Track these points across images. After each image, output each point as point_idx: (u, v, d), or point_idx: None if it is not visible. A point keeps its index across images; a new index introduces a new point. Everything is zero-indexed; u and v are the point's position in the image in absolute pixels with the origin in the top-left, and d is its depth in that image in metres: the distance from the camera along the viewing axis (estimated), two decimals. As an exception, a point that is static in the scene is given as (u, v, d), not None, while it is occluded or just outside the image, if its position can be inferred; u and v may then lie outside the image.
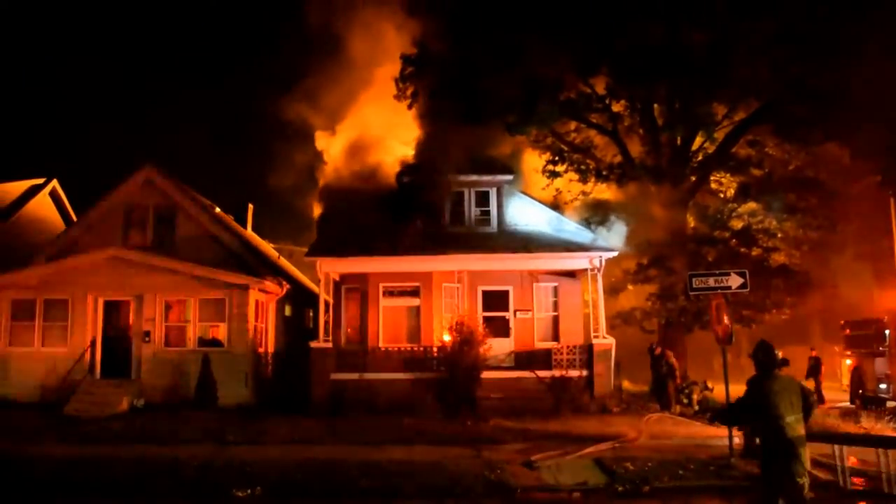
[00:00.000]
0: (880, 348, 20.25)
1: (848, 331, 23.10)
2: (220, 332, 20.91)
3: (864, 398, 20.69)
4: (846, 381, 22.62)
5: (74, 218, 28.33)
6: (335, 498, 11.27)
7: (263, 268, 23.16)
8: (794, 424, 7.56)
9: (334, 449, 13.80)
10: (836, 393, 23.05)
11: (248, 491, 11.50)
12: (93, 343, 20.72)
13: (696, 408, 19.16)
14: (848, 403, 21.30)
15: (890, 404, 19.34)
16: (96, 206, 23.20)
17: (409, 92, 24.99)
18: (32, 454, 12.99)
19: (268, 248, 30.50)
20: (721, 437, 13.54)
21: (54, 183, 29.02)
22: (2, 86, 67.09)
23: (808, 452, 7.58)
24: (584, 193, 26.10)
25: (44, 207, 28.56)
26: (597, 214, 23.12)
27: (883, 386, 19.96)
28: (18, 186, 28.13)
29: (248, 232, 29.23)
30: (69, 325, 20.78)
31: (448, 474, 11.92)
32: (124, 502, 11.31)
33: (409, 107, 24.88)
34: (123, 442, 14.49)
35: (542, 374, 20.16)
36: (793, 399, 7.67)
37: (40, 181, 28.74)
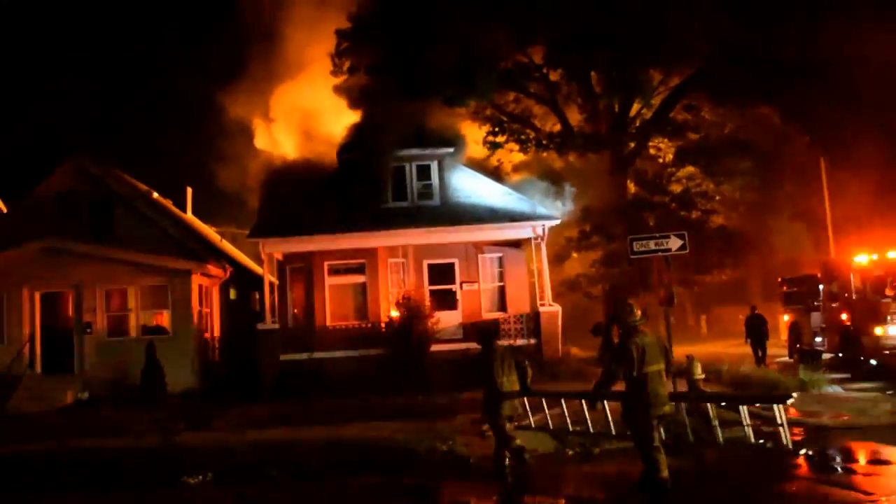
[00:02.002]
0: (815, 303, 20.90)
1: (785, 288, 23.77)
2: (164, 319, 20.58)
3: (802, 352, 21.36)
4: (784, 336, 23.32)
5: (4, 209, 27.33)
6: (289, 480, 11.21)
7: (205, 252, 22.75)
8: (507, 384, 9.55)
9: (286, 430, 13.67)
10: (776, 348, 23.73)
11: (199, 477, 11.37)
12: (31, 337, 20.12)
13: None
14: (787, 358, 21.99)
15: (825, 357, 20.02)
16: (27, 196, 22.44)
17: (345, 67, 24.68)
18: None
19: (209, 231, 29.93)
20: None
21: (-20, 173, 27.88)
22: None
23: (516, 404, 9.87)
24: (524, 164, 26.25)
25: (-32, 199, 27.41)
26: (539, 184, 23.24)
27: (818, 339, 20.62)
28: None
29: (189, 216, 28.62)
30: (4, 321, 20.15)
31: (402, 449, 11.95)
32: (71, 496, 11.09)
33: (347, 83, 24.57)
34: (68, 436, 14.08)
35: (492, 344, 20.26)
36: (506, 364, 9.63)
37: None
